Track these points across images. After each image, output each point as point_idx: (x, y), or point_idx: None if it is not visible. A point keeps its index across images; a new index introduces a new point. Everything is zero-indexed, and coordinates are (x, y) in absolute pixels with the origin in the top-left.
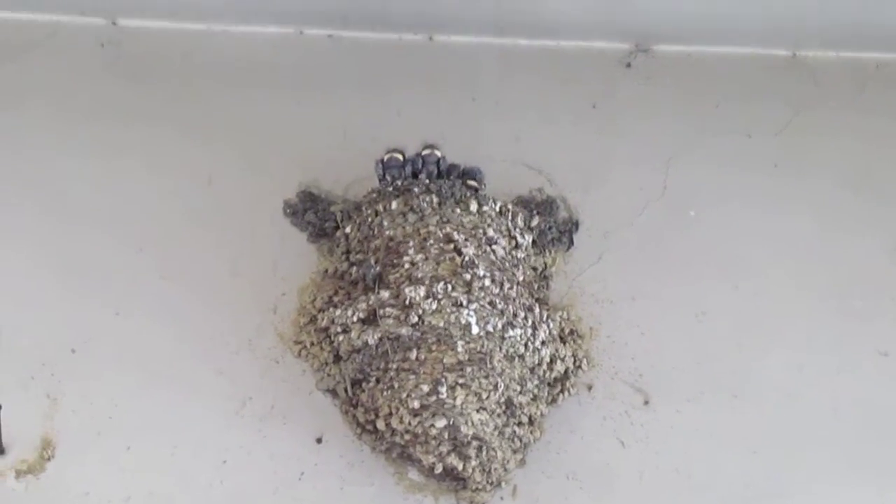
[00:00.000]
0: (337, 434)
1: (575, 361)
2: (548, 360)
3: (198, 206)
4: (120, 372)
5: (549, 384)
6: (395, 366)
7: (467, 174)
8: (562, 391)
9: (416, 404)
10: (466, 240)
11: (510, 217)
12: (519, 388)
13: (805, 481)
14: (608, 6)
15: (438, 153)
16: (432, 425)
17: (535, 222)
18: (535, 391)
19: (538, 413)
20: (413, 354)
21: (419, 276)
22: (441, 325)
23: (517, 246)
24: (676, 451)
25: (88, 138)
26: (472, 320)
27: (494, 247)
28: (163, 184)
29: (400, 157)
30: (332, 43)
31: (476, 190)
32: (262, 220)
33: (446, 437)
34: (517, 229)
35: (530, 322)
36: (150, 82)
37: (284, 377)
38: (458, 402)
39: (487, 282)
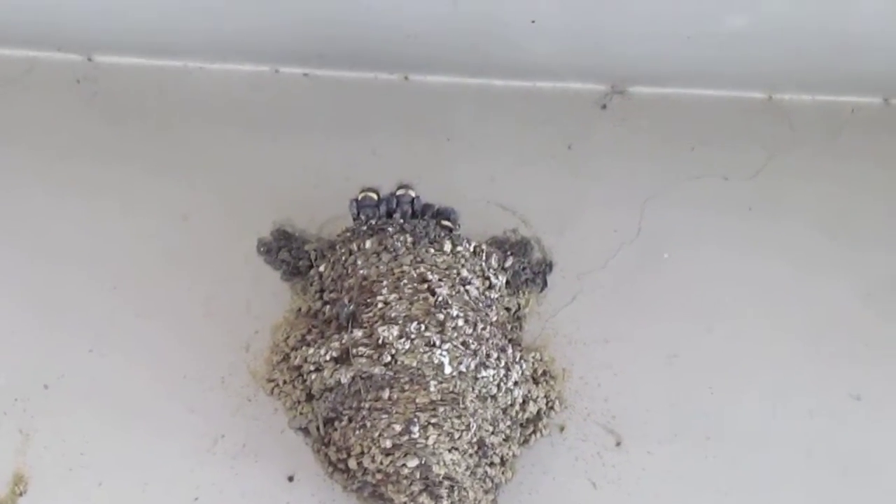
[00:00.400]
0: (309, 473)
1: (547, 402)
2: (520, 400)
3: (172, 243)
4: (93, 408)
5: (521, 425)
6: (367, 405)
7: (441, 214)
8: (534, 432)
9: (389, 444)
10: (440, 280)
11: (484, 257)
12: (491, 429)
13: None
14: (584, 47)
15: (413, 193)
16: (404, 465)
17: (508, 263)
18: (508, 432)
19: (510, 454)
20: (386, 394)
21: (393, 315)
22: (414, 364)
23: (491, 286)
24: (648, 493)
25: (64, 175)
26: (445, 360)
27: (468, 287)
28: (137, 221)
29: (374, 196)
30: (308, 81)
31: (450, 230)
32: (237, 258)
33: (418, 476)
34: (491, 270)
35: (503, 363)
36: (126, 119)
37: (257, 415)
38: (431, 441)
39: (461, 322)
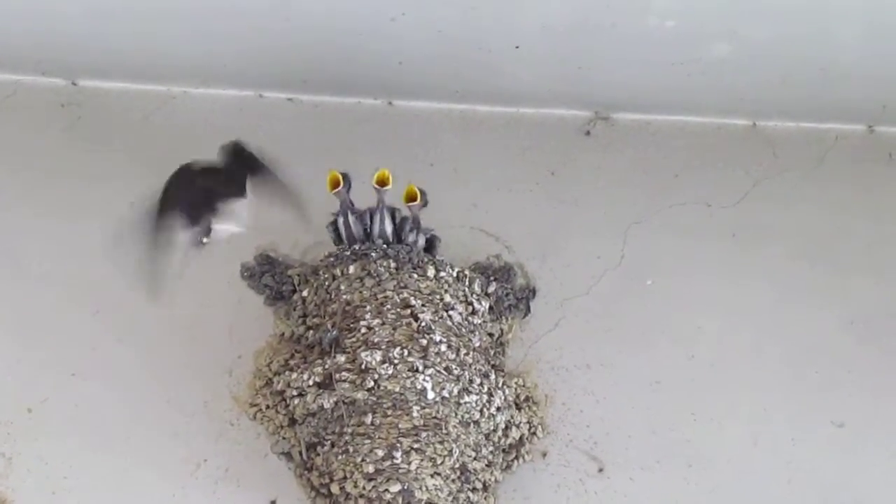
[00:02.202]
0: (291, 498)
1: (530, 428)
2: (503, 426)
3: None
4: (76, 433)
5: (503, 450)
6: (350, 430)
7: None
8: (516, 458)
9: (371, 469)
10: (423, 305)
11: (467, 283)
12: (474, 454)
13: None
14: (568, 74)
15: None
16: (387, 490)
17: (492, 289)
18: (490, 457)
19: (492, 479)
20: (368, 419)
21: (376, 340)
22: (397, 389)
23: (474, 312)
24: None
25: (46, 198)
26: (428, 386)
27: (451, 312)
28: (121, 247)
29: (340, 177)
30: (292, 106)
31: (433, 255)
32: (219, 283)
33: (400, 501)
34: (474, 295)
35: (486, 388)
36: (110, 144)
37: (239, 440)
38: (413, 467)
39: (444, 347)
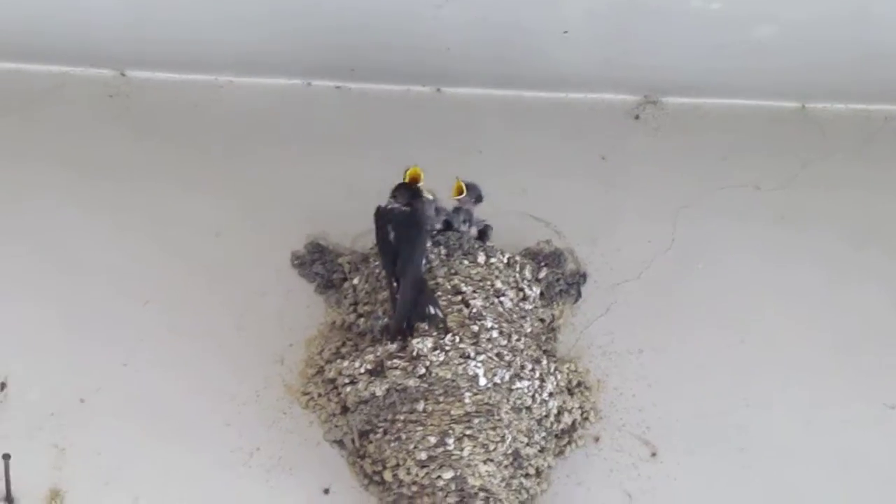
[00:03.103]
0: (344, 485)
1: (582, 413)
2: (555, 411)
3: (205, 258)
4: (128, 423)
5: (556, 436)
6: (402, 417)
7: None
8: (569, 443)
9: (424, 456)
10: (474, 291)
11: (518, 269)
12: (526, 440)
13: None
14: (616, 58)
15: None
16: (439, 477)
17: (542, 274)
18: (543, 443)
19: (545, 465)
20: (420, 406)
21: (426, 327)
22: (448, 376)
23: (525, 298)
24: None
25: (96, 190)
26: (480, 372)
27: (502, 298)
28: (170, 236)
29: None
30: (340, 94)
31: (485, 239)
32: (270, 272)
33: (453, 488)
34: (525, 281)
35: (538, 374)
36: (158, 134)
37: (292, 428)
38: (466, 453)
39: (495, 333)
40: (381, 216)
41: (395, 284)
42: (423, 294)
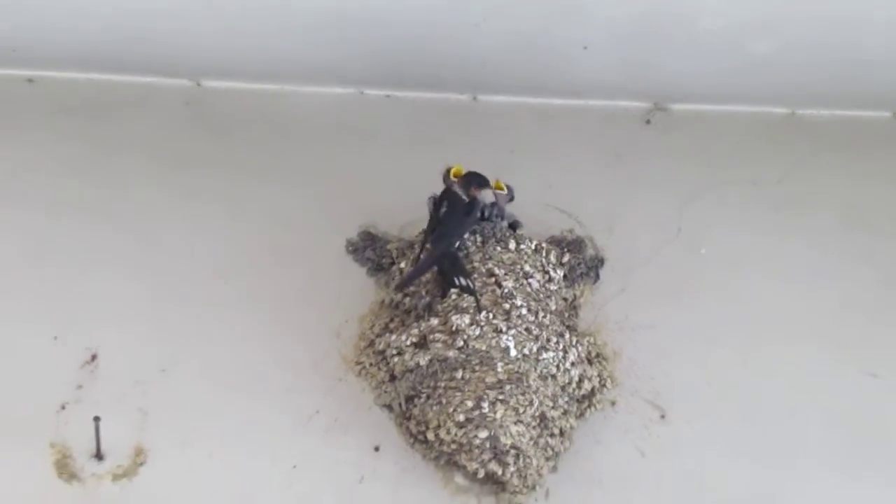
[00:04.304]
0: (392, 444)
1: (600, 381)
2: (577, 379)
3: (273, 244)
4: (203, 389)
5: (577, 400)
6: (443, 384)
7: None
8: (589, 407)
9: (462, 418)
10: (506, 274)
11: (544, 254)
12: (551, 404)
13: (801, 484)
14: (631, 69)
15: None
16: (476, 436)
17: (565, 259)
18: (566, 406)
19: (568, 426)
20: (459, 374)
21: (464, 305)
22: (483, 348)
23: (550, 279)
24: (690, 460)
25: (178, 185)
26: (511, 344)
27: (530, 280)
28: (243, 225)
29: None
30: (389, 102)
31: (515, 231)
32: (328, 256)
33: (488, 446)
34: (550, 265)
35: (561, 346)
36: (230, 137)
37: (347, 394)
38: (499, 415)
39: (524, 311)
40: (445, 194)
41: (424, 248)
42: (455, 266)
